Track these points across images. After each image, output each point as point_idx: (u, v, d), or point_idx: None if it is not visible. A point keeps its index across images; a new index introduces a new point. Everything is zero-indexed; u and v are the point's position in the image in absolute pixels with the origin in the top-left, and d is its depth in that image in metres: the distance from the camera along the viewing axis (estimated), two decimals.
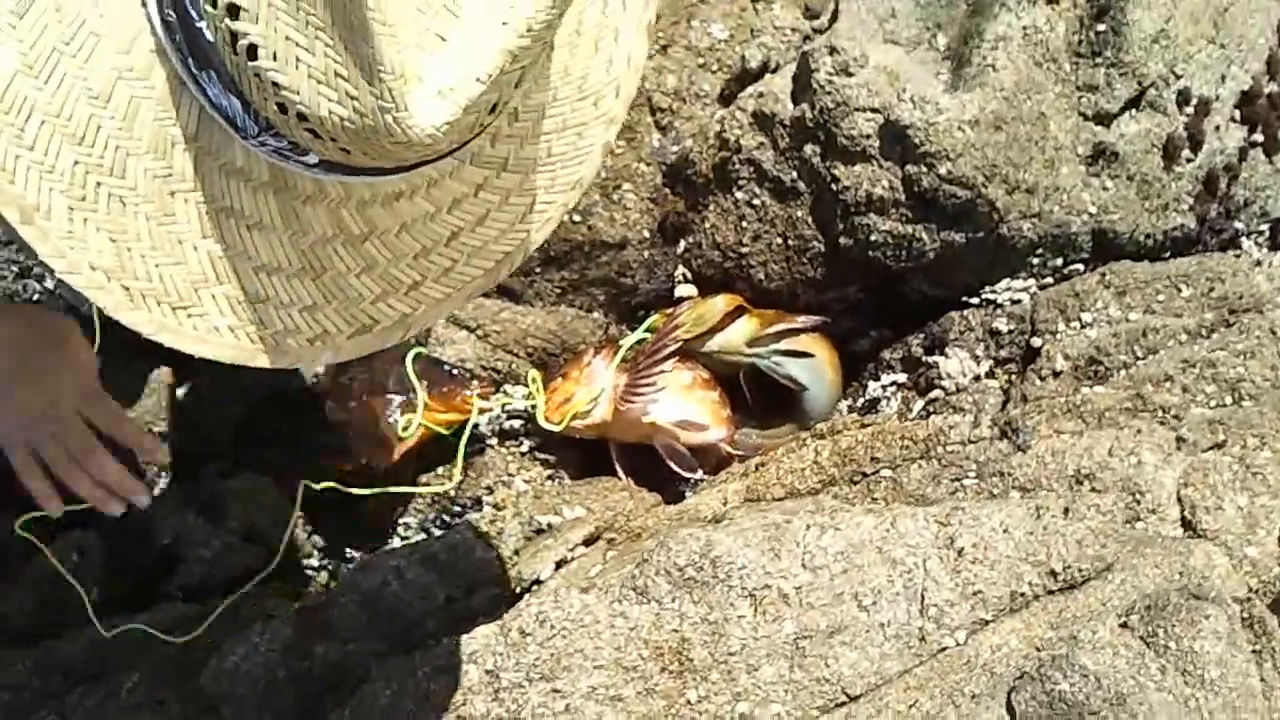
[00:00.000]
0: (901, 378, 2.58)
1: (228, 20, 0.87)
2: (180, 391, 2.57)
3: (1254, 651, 1.64)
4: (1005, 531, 1.77)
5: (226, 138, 0.98)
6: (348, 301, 1.09)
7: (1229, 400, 2.22)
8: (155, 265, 0.99)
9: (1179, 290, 2.41)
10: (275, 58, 0.87)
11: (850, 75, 2.37)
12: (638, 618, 1.68)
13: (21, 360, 1.54)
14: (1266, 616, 1.68)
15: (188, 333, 1.02)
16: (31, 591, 2.30)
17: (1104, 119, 2.50)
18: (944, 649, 1.69)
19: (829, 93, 2.38)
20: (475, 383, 2.48)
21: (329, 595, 2.00)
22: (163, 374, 2.55)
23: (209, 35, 0.90)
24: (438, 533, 2.31)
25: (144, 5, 0.94)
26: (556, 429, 2.43)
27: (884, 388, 2.59)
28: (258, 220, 1.02)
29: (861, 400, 2.63)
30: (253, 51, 0.87)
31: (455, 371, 2.49)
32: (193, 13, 0.90)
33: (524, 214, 1.18)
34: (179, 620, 2.17)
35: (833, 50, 2.38)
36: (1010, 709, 1.52)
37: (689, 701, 1.65)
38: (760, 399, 2.65)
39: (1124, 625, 1.62)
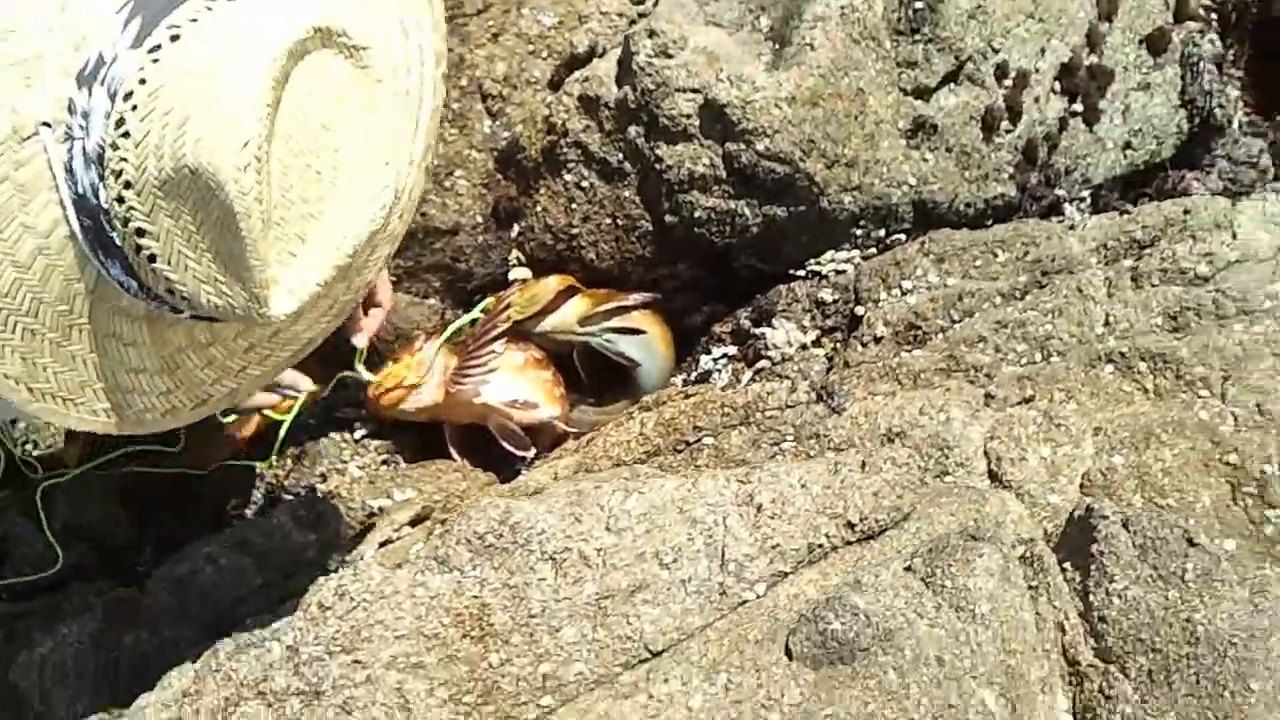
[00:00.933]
0: (732, 350, 2.62)
1: (135, 237, 1.21)
2: None
3: (1030, 588, 1.69)
4: (803, 487, 1.80)
5: (116, 292, 1.30)
6: (192, 386, 1.45)
7: (1038, 357, 2.28)
8: (54, 373, 1.33)
9: (995, 255, 2.47)
10: (170, 264, 1.22)
11: (670, 57, 2.41)
12: (439, 586, 1.69)
13: None
14: (1045, 555, 1.73)
15: (73, 416, 1.37)
16: None
17: (923, 93, 2.57)
18: (744, 602, 1.71)
19: (649, 74, 2.42)
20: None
21: (142, 585, 1.98)
22: None
23: (118, 241, 1.23)
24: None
25: (62, 208, 1.25)
26: (389, 411, 2.44)
27: (715, 360, 2.63)
28: (132, 340, 1.36)
29: (695, 373, 2.67)
30: (153, 258, 1.22)
31: None
32: (106, 225, 1.22)
33: (325, 310, 1.50)
34: (1, 619, 2.15)
35: (652, 33, 2.42)
36: (788, 651, 1.55)
37: (491, 665, 1.66)
38: (595, 376, 2.67)
39: (908, 568, 1.66)
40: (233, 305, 1.24)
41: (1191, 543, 1.60)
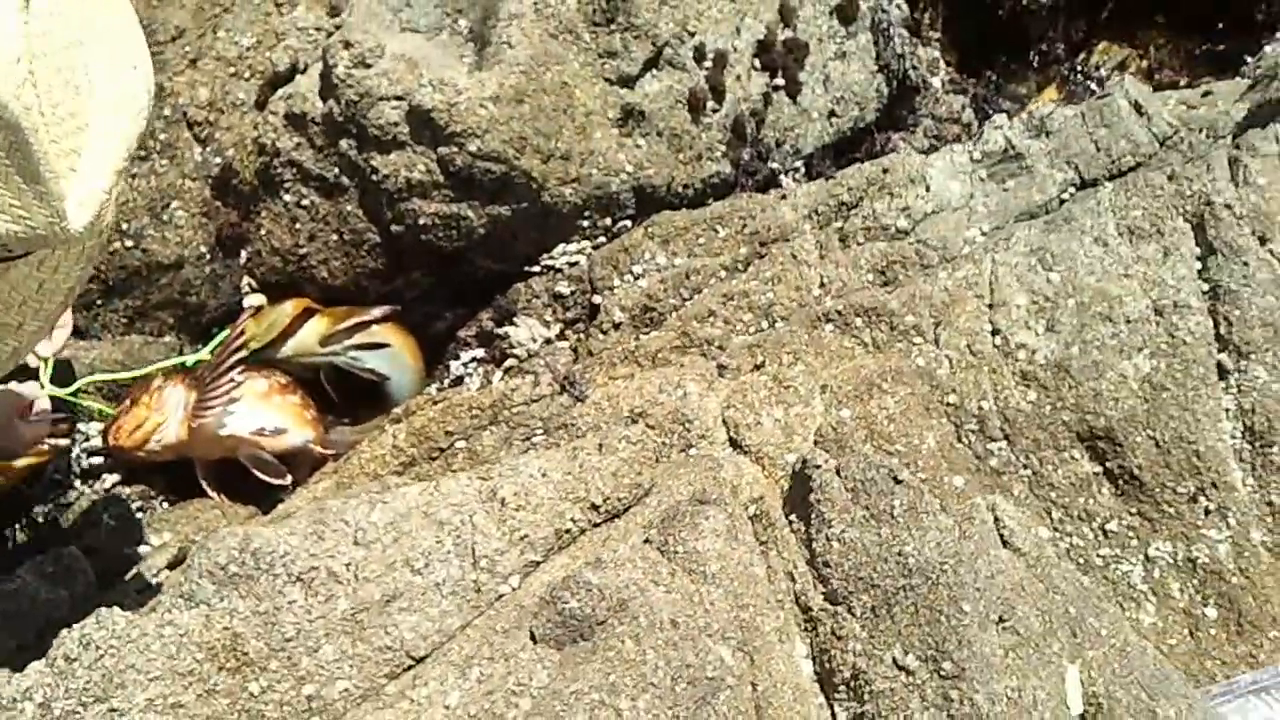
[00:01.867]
0: (480, 352, 2.66)
1: None
2: None
3: (761, 543, 1.79)
4: (544, 476, 1.85)
5: None
6: None
7: (764, 325, 2.39)
8: None
9: (716, 231, 2.58)
10: None
11: (369, 66, 2.42)
12: (187, 623, 1.67)
13: None
14: (774, 510, 1.83)
15: None
16: None
17: (627, 81, 2.64)
18: (500, 596, 1.76)
19: (350, 85, 2.42)
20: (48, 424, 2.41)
21: None
22: None
23: None
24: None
25: None
26: (135, 454, 2.39)
27: (465, 365, 2.66)
28: None
29: (447, 380, 2.69)
30: None
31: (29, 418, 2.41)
32: None
33: (77, 258, 1.51)
34: None
35: (348, 44, 2.43)
36: (532, 635, 1.60)
37: (253, 694, 1.66)
38: (347, 395, 2.67)
39: (646, 540, 1.73)
40: (33, 227, 1.27)
41: (897, 480, 1.72)
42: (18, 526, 2.44)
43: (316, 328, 2.63)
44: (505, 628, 1.63)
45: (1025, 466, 2.16)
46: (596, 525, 1.86)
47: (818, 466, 1.77)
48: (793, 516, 1.83)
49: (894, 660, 1.61)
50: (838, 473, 1.76)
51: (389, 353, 2.68)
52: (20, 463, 2.35)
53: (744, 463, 1.99)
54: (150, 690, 1.63)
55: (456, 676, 1.59)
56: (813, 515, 1.76)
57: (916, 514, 1.67)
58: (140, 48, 1.41)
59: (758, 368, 2.28)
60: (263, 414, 2.49)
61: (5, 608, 1.97)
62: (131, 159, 1.38)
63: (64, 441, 2.40)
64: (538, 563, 1.80)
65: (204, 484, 2.47)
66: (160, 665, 1.65)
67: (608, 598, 1.56)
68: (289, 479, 2.49)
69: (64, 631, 1.68)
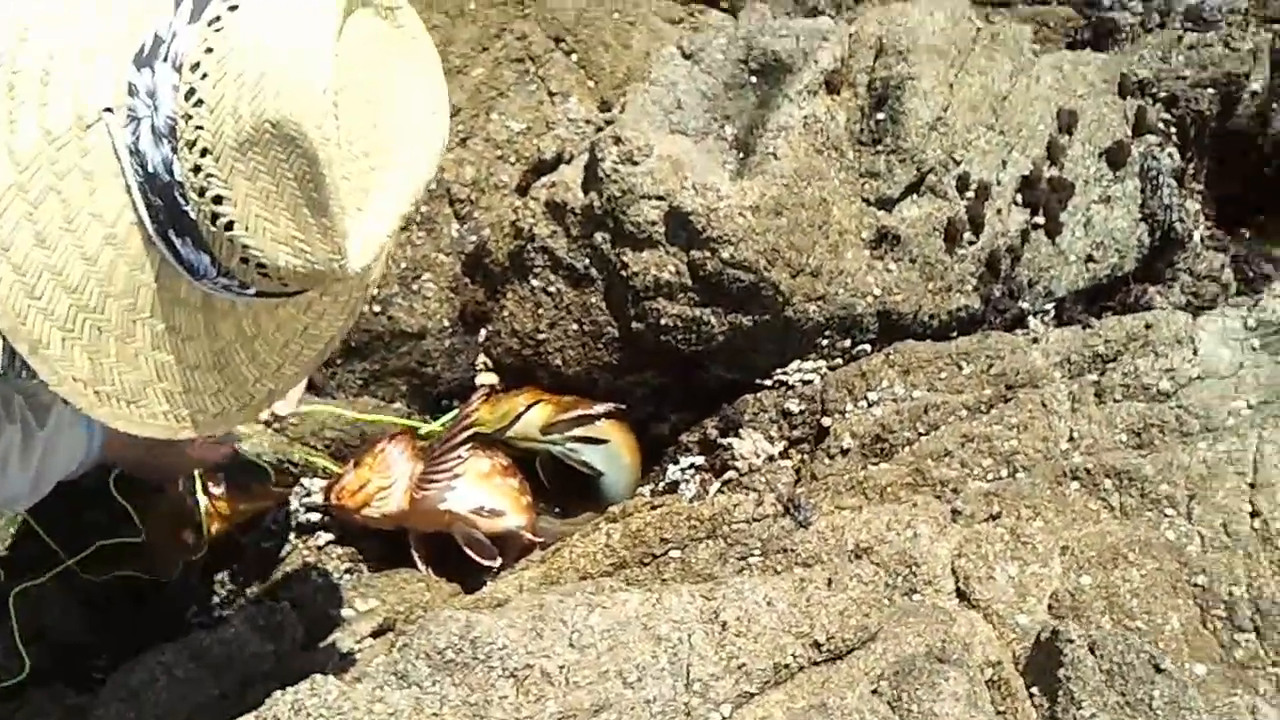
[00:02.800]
0: (699, 460, 2.61)
1: (212, 206, 1.23)
2: None
3: (999, 713, 1.67)
4: (769, 604, 1.78)
5: (177, 279, 1.32)
6: (238, 385, 1.48)
7: (1005, 472, 2.28)
8: (118, 374, 1.34)
9: (960, 368, 2.49)
10: (247, 229, 1.24)
11: (635, 164, 2.43)
12: (397, 702, 1.65)
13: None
14: (1013, 678, 1.72)
15: (135, 419, 1.38)
16: None
17: (886, 204, 2.60)
18: None
19: (615, 181, 2.44)
20: (272, 475, 2.46)
21: (97, 695, 1.93)
22: None
23: (192, 214, 1.25)
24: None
25: (128, 194, 1.26)
26: (353, 516, 2.41)
27: (683, 470, 2.61)
28: (189, 334, 1.38)
29: (662, 483, 2.65)
30: (230, 225, 1.24)
31: (253, 465, 2.46)
32: (179, 198, 1.24)
33: (343, 307, 1.57)
34: None
35: (618, 140, 2.44)
36: None
37: None
38: (559, 485, 2.65)
39: (875, 691, 1.64)
40: (312, 261, 1.28)
41: (1158, 669, 1.59)
42: (228, 573, 2.48)
43: (540, 414, 2.62)
44: None
45: (1275, 664, 1.99)
46: (816, 664, 1.77)
47: (1070, 640, 1.66)
48: (1034, 689, 1.71)
49: None
50: (1092, 649, 1.64)
51: (607, 449, 2.66)
52: (243, 507, 2.40)
53: (977, 620, 1.88)
54: None
55: None
56: (1060, 692, 1.64)
57: (1179, 709, 1.54)
58: (441, 95, 1.41)
59: (994, 518, 2.17)
60: (483, 494, 2.49)
61: (216, 655, 1.99)
62: (417, 207, 1.39)
63: (289, 493, 2.44)
64: (751, 694, 1.72)
65: (415, 555, 2.48)
66: None
67: None
68: (499, 561, 2.48)
69: (278, 693, 1.68)
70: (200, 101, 1.21)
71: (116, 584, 2.39)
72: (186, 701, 1.91)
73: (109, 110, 1.25)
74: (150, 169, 1.25)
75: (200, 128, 1.21)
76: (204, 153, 1.22)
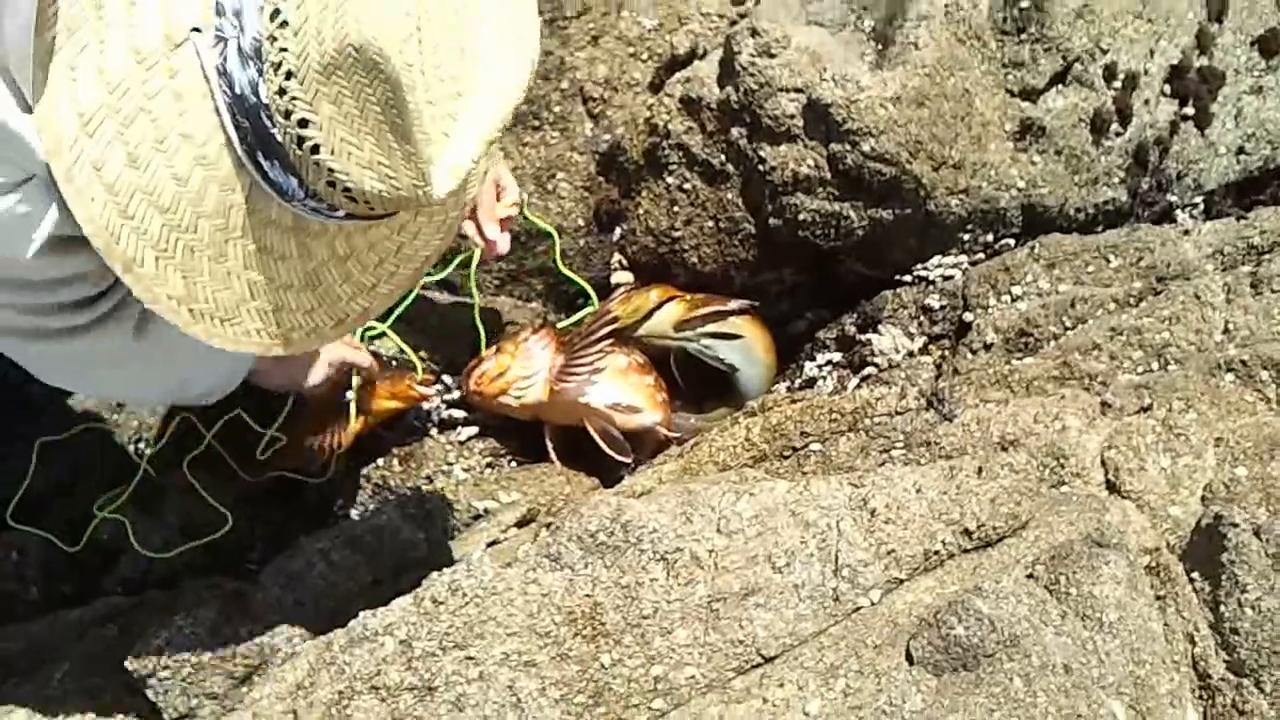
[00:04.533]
0: (837, 356, 2.60)
1: (297, 129, 1.24)
2: None
3: (1158, 598, 1.64)
4: (918, 492, 1.77)
5: (267, 200, 1.34)
6: (332, 304, 1.51)
7: (1155, 365, 2.23)
8: (212, 292, 1.38)
9: (1108, 261, 2.42)
10: (333, 153, 1.25)
11: (773, 56, 2.39)
12: (551, 584, 1.68)
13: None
14: (1172, 564, 1.69)
15: (229, 337, 1.42)
16: None
17: (1030, 94, 2.53)
18: (859, 608, 1.69)
19: (752, 74, 2.40)
20: (416, 372, 2.50)
21: (256, 580, 2.00)
22: None
23: (279, 137, 1.26)
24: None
25: (218, 114, 1.27)
26: (491, 403, 2.45)
27: (820, 367, 2.60)
28: (281, 254, 1.40)
29: (799, 380, 2.64)
30: (315, 149, 1.25)
31: (395, 361, 2.51)
32: (266, 122, 1.25)
33: (439, 227, 1.59)
34: (117, 612, 2.19)
35: (755, 32, 2.40)
36: (909, 656, 1.53)
37: (603, 665, 1.65)
38: (694, 382, 2.66)
39: (1030, 575, 1.62)
40: (397, 187, 1.29)
41: None
42: (374, 467, 2.54)
43: (674, 311, 2.63)
44: (877, 643, 1.56)
45: None
46: (966, 551, 1.76)
47: (1234, 525, 1.62)
48: (1195, 574, 1.68)
49: None
50: (1257, 534, 1.60)
51: (742, 344, 2.66)
52: (387, 404, 2.44)
53: (1130, 509, 1.84)
54: (508, 644, 1.65)
55: (818, 684, 1.54)
56: (1223, 577, 1.61)
57: None
58: (531, 20, 1.40)
59: (1144, 410, 2.12)
60: (619, 390, 2.51)
61: (369, 542, 2.05)
62: (504, 132, 1.40)
63: (431, 391, 2.48)
64: (901, 580, 1.72)
65: (550, 447, 2.51)
66: (520, 621, 1.66)
67: (998, 630, 1.47)
68: (632, 458, 2.50)
69: (434, 574, 1.72)
70: (285, 23, 1.20)
71: (270, 481, 2.47)
72: (343, 586, 1.98)
73: (197, 30, 1.25)
74: (238, 90, 1.25)
75: (285, 50, 1.21)
76: (289, 75, 1.22)
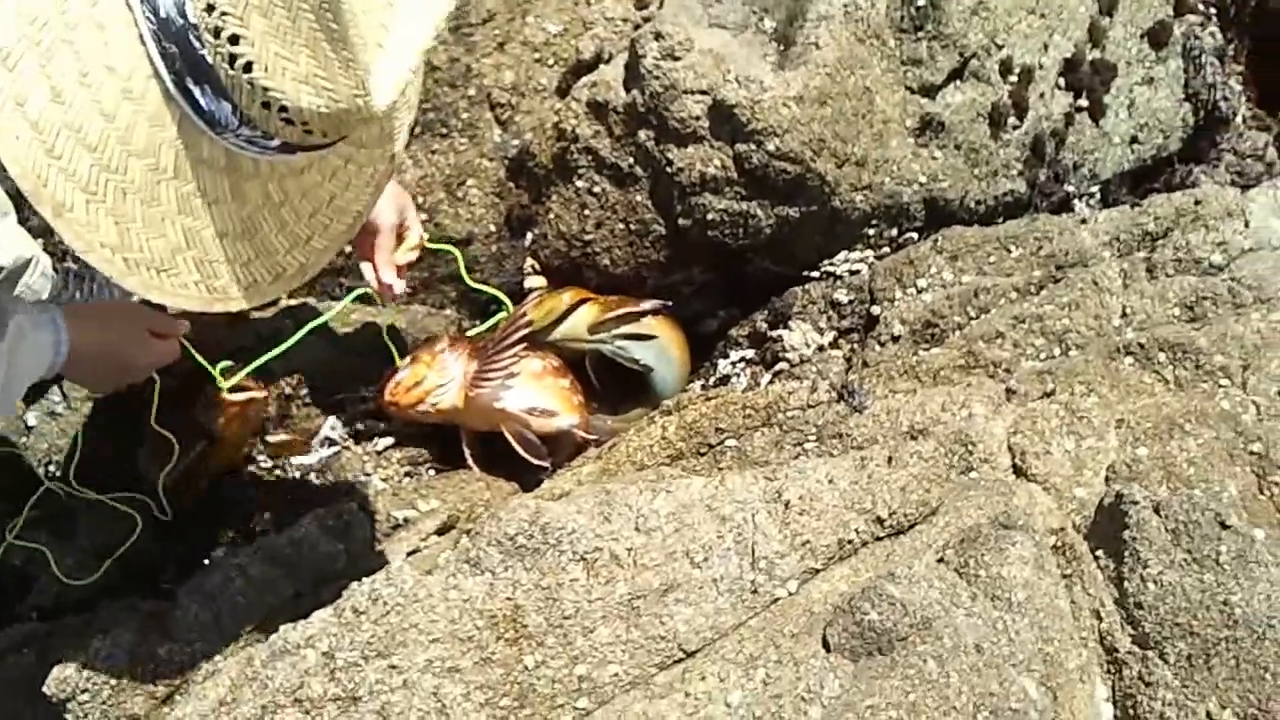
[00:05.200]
0: (749, 353, 2.63)
1: (229, 47, 1.19)
2: (30, 417, 2.54)
3: (1064, 576, 1.69)
4: (831, 482, 1.80)
5: (198, 135, 1.29)
6: (269, 255, 1.45)
7: (1057, 351, 2.29)
8: (146, 239, 1.31)
9: (1009, 251, 2.48)
10: (266, 69, 1.20)
11: (677, 59, 2.42)
12: (471, 589, 1.69)
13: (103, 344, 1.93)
14: (1077, 543, 1.74)
15: (167, 290, 1.35)
16: None
17: (929, 91, 2.58)
18: (776, 599, 1.71)
19: (657, 77, 2.43)
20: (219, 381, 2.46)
21: (173, 598, 1.98)
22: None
23: (209, 59, 1.21)
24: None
25: (143, 43, 1.23)
26: (406, 412, 2.45)
27: (733, 364, 2.63)
28: (215, 197, 1.35)
29: (713, 378, 2.67)
30: (249, 67, 1.20)
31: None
32: (195, 43, 1.20)
33: (368, 180, 1.55)
34: (32, 638, 2.15)
35: (659, 36, 2.43)
36: (825, 643, 1.56)
37: (527, 667, 1.66)
38: (610, 384, 2.68)
39: (941, 560, 1.66)
40: (335, 99, 1.24)
41: (1224, 525, 1.61)
42: (290, 481, 2.52)
43: (587, 315, 2.64)
44: (794, 632, 1.59)
45: None
46: (879, 539, 1.80)
47: (1134, 502, 1.67)
48: (1099, 552, 1.73)
49: (1208, 714, 1.51)
50: (1157, 510, 1.66)
51: (656, 344, 2.68)
52: (232, 429, 2.41)
53: (1036, 491, 1.89)
54: (431, 651, 1.65)
55: (739, 675, 1.56)
56: (1126, 553, 1.66)
57: (1245, 562, 1.56)
58: None
59: (1048, 395, 2.18)
60: (535, 394, 2.52)
61: (288, 555, 2.03)
62: (437, 43, 1.36)
63: (261, 394, 2.44)
64: (817, 570, 1.75)
65: (467, 453, 2.51)
66: (442, 628, 1.66)
67: (910, 614, 1.50)
68: (549, 462, 2.51)
69: (354, 584, 1.71)
70: None
71: (180, 497, 2.44)
72: (263, 601, 1.96)
73: None
74: (163, 14, 1.21)
75: None
76: None
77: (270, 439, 2.46)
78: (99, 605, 2.25)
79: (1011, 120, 2.66)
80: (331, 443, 2.54)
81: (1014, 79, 2.67)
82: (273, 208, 1.43)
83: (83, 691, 1.85)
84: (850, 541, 1.77)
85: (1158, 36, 2.92)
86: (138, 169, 1.28)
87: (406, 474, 2.53)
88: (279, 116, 1.25)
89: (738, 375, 2.61)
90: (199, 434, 2.38)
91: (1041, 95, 2.72)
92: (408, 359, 2.48)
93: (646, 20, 2.63)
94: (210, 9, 1.18)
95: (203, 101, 1.25)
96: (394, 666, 1.64)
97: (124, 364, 1.99)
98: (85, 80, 1.22)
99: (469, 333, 2.61)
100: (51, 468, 2.51)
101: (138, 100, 1.25)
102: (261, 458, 2.51)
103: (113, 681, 1.86)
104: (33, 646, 2.09)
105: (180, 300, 1.38)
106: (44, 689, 1.86)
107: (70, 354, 1.78)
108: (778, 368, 2.53)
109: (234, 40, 1.19)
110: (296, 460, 2.51)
